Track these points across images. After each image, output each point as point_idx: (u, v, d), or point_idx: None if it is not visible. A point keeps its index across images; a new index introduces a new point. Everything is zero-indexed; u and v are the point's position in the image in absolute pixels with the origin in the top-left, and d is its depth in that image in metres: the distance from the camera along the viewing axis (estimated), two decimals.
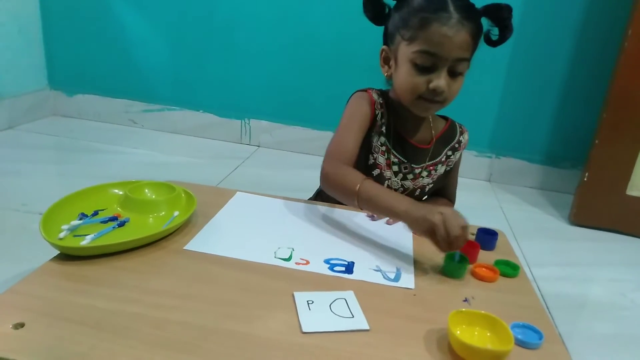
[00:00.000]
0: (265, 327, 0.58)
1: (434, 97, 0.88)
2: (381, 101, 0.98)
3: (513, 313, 0.66)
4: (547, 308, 1.20)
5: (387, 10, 0.94)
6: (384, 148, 0.98)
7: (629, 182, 1.66)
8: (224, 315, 0.59)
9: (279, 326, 0.58)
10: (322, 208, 0.95)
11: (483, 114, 2.07)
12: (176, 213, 0.81)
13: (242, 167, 1.96)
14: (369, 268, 0.74)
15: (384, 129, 0.98)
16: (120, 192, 0.85)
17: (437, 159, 1.02)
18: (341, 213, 0.93)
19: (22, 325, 0.54)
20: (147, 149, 2.03)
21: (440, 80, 0.85)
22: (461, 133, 1.06)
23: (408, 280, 0.72)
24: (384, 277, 0.72)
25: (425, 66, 0.86)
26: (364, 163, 0.98)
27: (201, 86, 2.22)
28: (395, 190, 1.00)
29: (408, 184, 1.01)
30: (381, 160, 0.98)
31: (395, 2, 0.92)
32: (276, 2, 2.04)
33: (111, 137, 2.13)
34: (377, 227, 0.89)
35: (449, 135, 1.04)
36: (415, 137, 1.00)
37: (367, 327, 0.60)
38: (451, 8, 0.83)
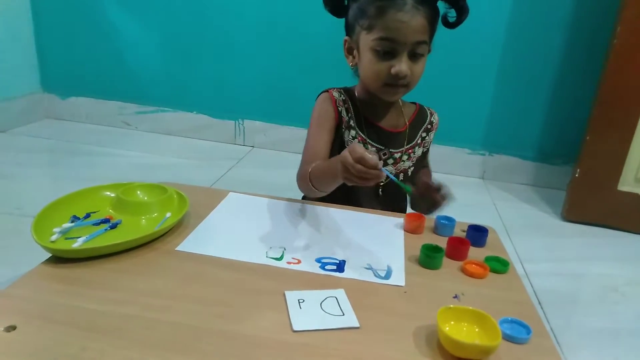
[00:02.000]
0: (256, 326, 0.58)
1: (398, 82, 0.91)
2: (343, 98, 1.02)
3: (502, 308, 0.67)
4: (540, 303, 1.21)
5: (346, 2, 0.97)
6: (356, 140, 1.01)
7: (620, 178, 1.68)
8: (215, 315, 0.60)
9: (270, 325, 0.59)
10: (314, 208, 0.96)
11: (476, 112, 2.08)
12: (168, 214, 0.82)
13: (236, 167, 1.97)
14: (360, 266, 0.75)
15: (352, 122, 1.01)
16: (113, 194, 0.86)
17: (414, 142, 1.06)
18: (333, 212, 0.94)
19: (13, 328, 0.54)
20: (141, 151, 2.04)
21: (401, 65, 0.89)
22: (431, 114, 1.10)
23: (399, 277, 0.73)
24: (374, 275, 0.73)
25: (386, 52, 0.89)
26: None
27: (194, 87, 2.22)
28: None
29: (390, 169, 1.04)
30: None
31: None
32: (269, 1, 2.04)
33: (105, 139, 2.13)
34: (368, 226, 0.90)
35: (421, 118, 1.08)
36: (388, 123, 1.04)
37: (357, 325, 0.60)
38: None
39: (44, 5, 2.18)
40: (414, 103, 1.10)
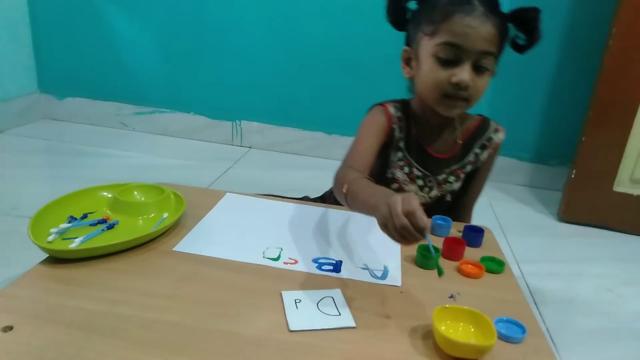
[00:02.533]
0: (253, 326, 0.59)
1: (458, 93, 0.84)
2: (399, 115, 0.96)
3: (498, 308, 0.67)
4: (535, 303, 1.21)
5: (408, 15, 0.92)
6: (401, 163, 0.97)
7: (615, 179, 1.68)
8: (212, 315, 0.60)
9: (267, 325, 0.59)
10: (311, 208, 0.96)
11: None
12: (165, 215, 0.82)
13: (233, 168, 1.97)
14: (356, 267, 0.75)
15: (401, 144, 0.96)
16: (110, 195, 0.86)
17: (466, 160, 0.99)
18: (329, 213, 0.94)
19: (10, 328, 0.54)
20: (138, 152, 2.03)
21: (464, 74, 0.82)
22: (496, 131, 1.00)
23: (395, 277, 0.73)
24: (371, 275, 0.73)
25: (449, 59, 0.83)
26: (382, 177, 0.98)
27: (192, 88, 2.22)
28: (423, 204, 0.86)
29: (434, 193, 0.99)
30: (399, 175, 0.97)
31: (417, 4, 0.91)
32: (266, 3, 2.05)
33: (102, 140, 2.12)
34: (365, 226, 0.90)
35: (479, 133, 1.00)
36: (439, 148, 0.98)
37: (354, 325, 0.61)
38: (475, 1, 0.81)
39: (41, 5, 2.18)
40: (480, 115, 1.01)
